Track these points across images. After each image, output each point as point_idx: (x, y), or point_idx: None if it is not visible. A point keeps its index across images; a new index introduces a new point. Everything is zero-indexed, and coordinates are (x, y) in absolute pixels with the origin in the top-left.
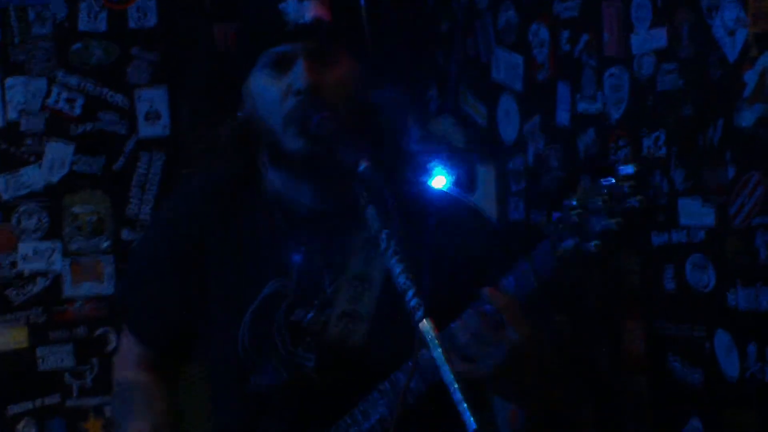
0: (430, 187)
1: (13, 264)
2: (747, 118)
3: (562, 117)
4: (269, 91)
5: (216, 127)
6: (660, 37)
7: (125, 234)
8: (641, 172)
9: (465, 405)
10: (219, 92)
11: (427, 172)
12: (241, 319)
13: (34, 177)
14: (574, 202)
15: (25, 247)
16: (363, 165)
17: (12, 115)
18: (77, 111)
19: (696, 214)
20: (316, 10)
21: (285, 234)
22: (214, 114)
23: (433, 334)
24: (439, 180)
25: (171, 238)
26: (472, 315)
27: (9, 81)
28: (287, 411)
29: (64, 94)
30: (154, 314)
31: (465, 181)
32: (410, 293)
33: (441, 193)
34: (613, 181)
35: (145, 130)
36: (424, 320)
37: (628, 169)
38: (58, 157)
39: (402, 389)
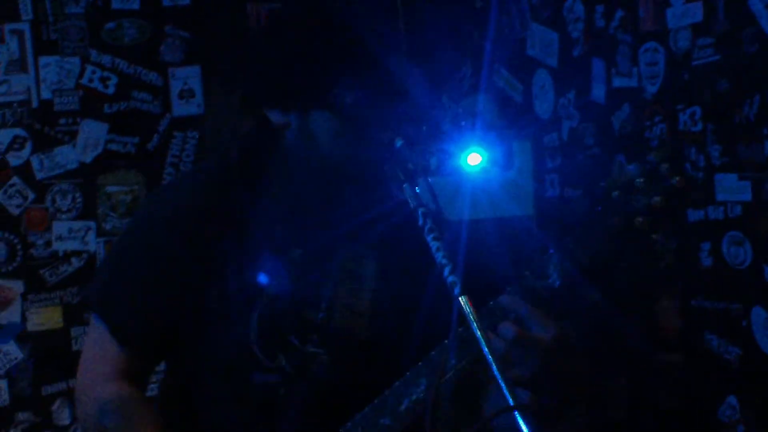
0: (462, 165)
1: (48, 244)
2: None
3: (597, 93)
4: None
5: (240, 117)
6: (696, 11)
7: None
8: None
9: (503, 381)
10: (249, 77)
11: (462, 149)
12: (248, 319)
13: (68, 157)
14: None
15: (59, 227)
16: (399, 142)
17: (46, 94)
18: (111, 90)
19: (732, 189)
20: None
21: (282, 232)
22: (241, 99)
23: (470, 310)
24: (475, 157)
25: (167, 234)
26: (506, 324)
27: (42, 60)
28: (293, 408)
29: (98, 73)
30: (144, 317)
31: (501, 158)
32: (447, 270)
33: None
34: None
35: (179, 108)
36: (461, 297)
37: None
38: (92, 136)
39: (440, 366)
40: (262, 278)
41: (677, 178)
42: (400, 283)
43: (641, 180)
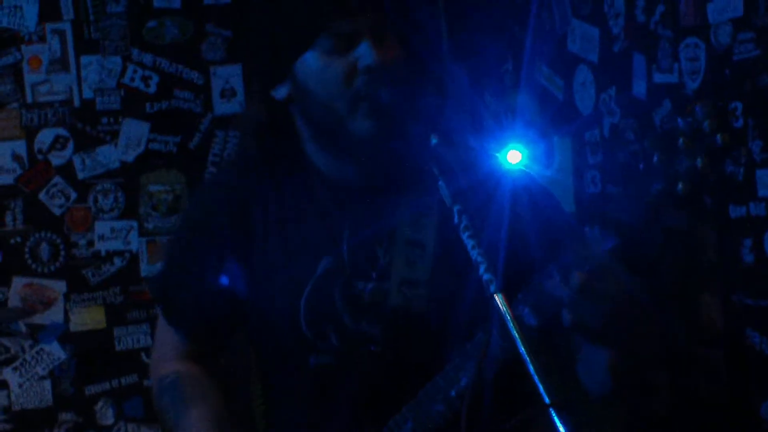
0: (499, 162)
1: (90, 244)
2: None
3: (638, 89)
4: (330, 71)
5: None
6: (736, 5)
7: None
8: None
9: (539, 379)
10: (273, 72)
11: (501, 146)
12: (298, 300)
13: (110, 156)
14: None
15: (101, 227)
16: (434, 140)
17: (87, 94)
18: (152, 89)
19: None
20: None
21: (331, 209)
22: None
23: (506, 309)
24: (515, 154)
25: (212, 220)
26: (575, 273)
27: (84, 59)
28: (350, 389)
29: (140, 72)
30: (195, 302)
31: (542, 154)
32: (482, 267)
33: (511, 169)
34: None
35: (221, 107)
36: (497, 295)
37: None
38: (133, 135)
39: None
40: (315, 256)
41: (721, 135)
42: (460, 252)
43: (683, 139)
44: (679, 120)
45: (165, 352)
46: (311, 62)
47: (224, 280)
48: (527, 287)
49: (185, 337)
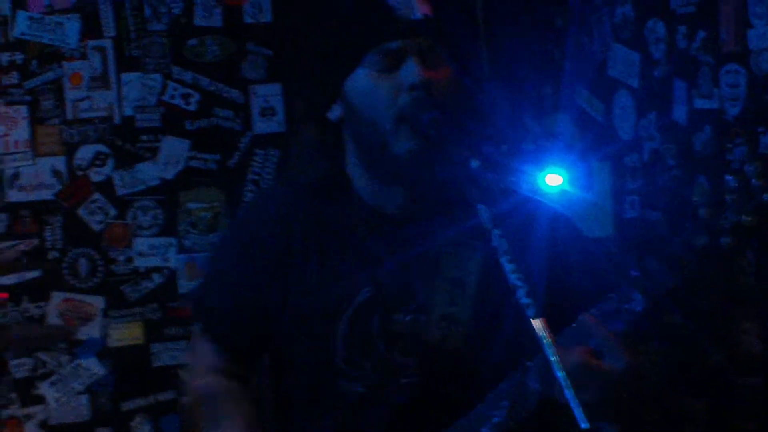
0: (540, 186)
1: (129, 260)
2: None
3: (679, 114)
4: (377, 89)
5: (306, 127)
6: None
7: None
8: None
9: (576, 403)
10: (323, 91)
11: (540, 170)
12: (335, 326)
13: (149, 173)
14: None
15: (140, 244)
16: (475, 163)
17: (128, 111)
18: (192, 107)
19: None
20: (426, 7)
21: (373, 239)
22: (306, 117)
23: (544, 332)
24: (554, 178)
25: (254, 239)
26: (576, 349)
27: (125, 77)
28: (377, 419)
29: (180, 90)
30: (233, 315)
31: (581, 178)
32: (521, 292)
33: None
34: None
35: (261, 126)
36: (536, 320)
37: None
38: (173, 153)
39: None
40: (355, 284)
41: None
42: (504, 292)
43: (732, 196)
44: (728, 177)
45: (200, 365)
46: (360, 80)
47: (262, 299)
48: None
49: (221, 352)
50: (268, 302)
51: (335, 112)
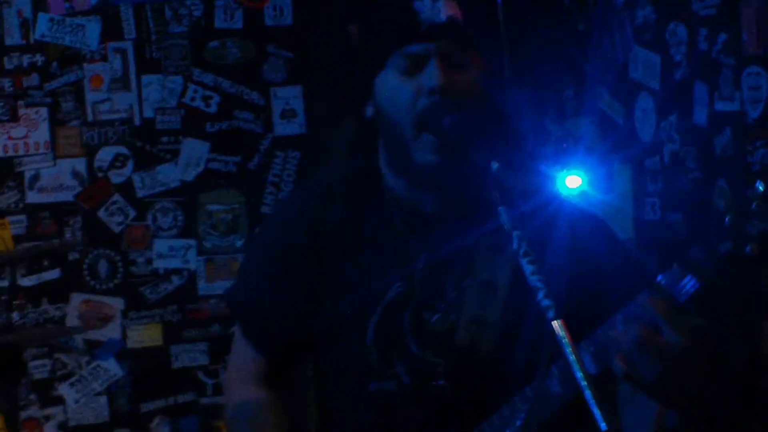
0: (560, 188)
1: (149, 261)
2: None
3: (700, 116)
4: (400, 91)
5: (340, 125)
6: None
7: None
8: None
9: (596, 406)
10: (351, 91)
11: (560, 171)
12: (366, 323)
13: (169, 175)
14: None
15: (160, 245)
16: (495, 166)
17: (148, 113)
18: (213, 109)
19: None
20: (450, 10)
21: (406, 236)
22: (346, 113)
23: (564, 334)
24: (575, 180)
25: (289, 237)
26: (631, 321)
27: (145, 79)
28: (410, 418)
29: (200, 92)
30: (271, 318)
31: (601, 180)
32: (541, 294)
33: (570, 199)
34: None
35: (281, 128)
36: (556, 321)
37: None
38: (193, 155)
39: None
40: (386, 281)
41: None
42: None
43: (759, 203)
44: (758, 182)
45: (241, 372)
46: (387, 81)
47: (300, 299)
48: (591, 336)
49: (262, 356)
50: (306, 305)
51: (370, 110)
